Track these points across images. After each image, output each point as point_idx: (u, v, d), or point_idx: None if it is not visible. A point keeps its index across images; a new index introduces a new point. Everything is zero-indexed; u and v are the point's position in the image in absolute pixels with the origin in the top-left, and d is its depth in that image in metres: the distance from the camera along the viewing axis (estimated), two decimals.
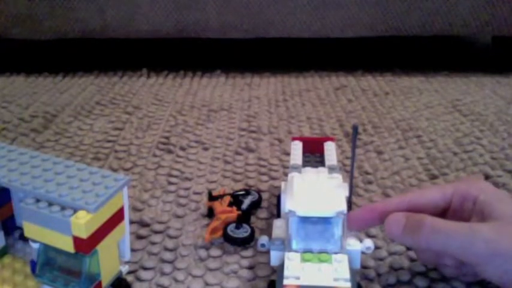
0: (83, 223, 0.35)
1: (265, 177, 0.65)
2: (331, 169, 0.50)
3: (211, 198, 0.56)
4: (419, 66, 1.12)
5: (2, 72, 1.07)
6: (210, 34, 1.00)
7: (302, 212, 0.40)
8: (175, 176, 0.65)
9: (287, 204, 0.41)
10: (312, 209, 0.40)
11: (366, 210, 0.42)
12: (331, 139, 0.57)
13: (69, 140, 0.75)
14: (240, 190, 0.59)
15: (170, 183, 0.63)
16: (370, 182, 0.64)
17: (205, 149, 0.73)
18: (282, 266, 0.39)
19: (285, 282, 0.37)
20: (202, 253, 0.50)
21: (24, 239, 0.44)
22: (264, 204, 0.58)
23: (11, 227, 0.46)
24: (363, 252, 0.41)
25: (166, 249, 0.51)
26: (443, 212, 0.40)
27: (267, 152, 0.71)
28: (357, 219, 0.42)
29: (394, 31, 0.99)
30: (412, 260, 0.48)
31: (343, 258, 0.39)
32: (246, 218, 0.53)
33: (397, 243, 0.50)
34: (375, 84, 1.01)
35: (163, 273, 0.47)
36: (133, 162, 0.68)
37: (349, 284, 0.36)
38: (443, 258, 0.41)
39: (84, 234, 0.36)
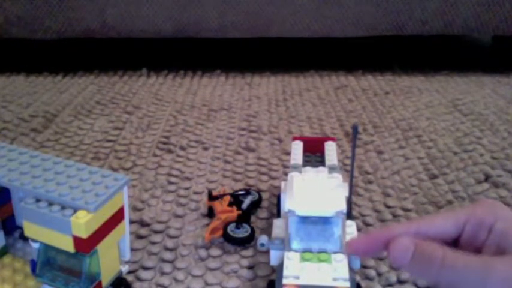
0: (83, 223, 0.35)
1: (265, 177, 0.65)
2: (331, 169, 0.50)
3: (211, 198, 0.56)
4: (419, 66, 1.12)
5: (2, 72, 1.07)
6: (210, 34, 1.00)
7: (302, 211, 0.40)
8: (176, 176, 0.65)
9: (287, 204, 0.41)
10: (312, 208, 0.40)
11: (367, 238, 0.37)
12: (332, 139, 0.57)
13: (69, 139, 0.75)
14: (240, 190, 0.59)
15: (170, 182, 0.63)
16: (370, 182, 0.64)
17: (205, 148, 0.73)
18: (281, 265, 0.39)
19: (285, 281, 0.37)
20: (202, 253, 0.50)
21: (24, 238, 0.44)
22: (264, 204, 0.58)
23: (11, 227, 0.46)
24: None
25: (167, 248, 0.51)
26: (455, 242, 0.35)
27: (267, 152, 0.71)
28: (356, 247, 0.37)
29: (394, 31, 0.99)
30: None
31: (342, 258, 0.39)
32: (246, 218, 0.53)
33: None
34: (375, 84, 1.01)
35: (163, 273, 0.47)
36: (133, 162, 0.68)
37: (348, 284, 0.36)
38: None
39: (84, 234, 0.36)
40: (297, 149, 0.55)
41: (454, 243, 0.35)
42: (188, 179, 0.64)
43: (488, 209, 0.34)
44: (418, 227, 0.34)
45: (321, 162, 0.54)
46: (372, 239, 0.36)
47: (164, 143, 0.74)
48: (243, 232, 0.50)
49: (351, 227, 0.44)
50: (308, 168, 0.50)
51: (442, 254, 0.32)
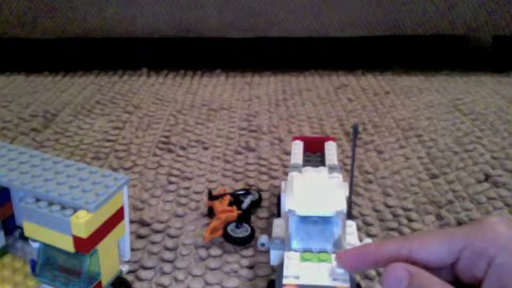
0: (83, 222, 0.35)
1: (265, 177, 0.65)
2: (332, 169, 0.50)
3: (212, 197, 0.56)
4: (419, 66, 1.12)
5: (2, 72, 1.07)
6: (210, 34, 1.00)
7: (302, 211, 0.40)
8: (176, 176, 0.65)
9: (287, 204, 0.41)
10: (312, 208, 0.40)
11: (357, 254, 0.35)
12: (332, 139, 0.57)
13: (69, 139, 0.75)
14: (240, 189, 0.59)
15: (170, 182, 0.63)
16: (370, 182, 0.64)
17: (206, 148, 0.73)
18: (281, 265, 0.39)
19: (285, 281, 0.37)
20: (203, 252, 0.50)
21: (24, 238, 0.43)
22: (264, 203, 0.58)
23: (11, 227, 0.46)
24: None
25: (167, 248, 0.51)
26: (452, 265, 0.32)
27: (267, 152, 0.71)
28: (345, 261, 0.36)
29: (394, 31, 0.99)
30: None
31: None
32: (246, 218, 0.53)
33: None
34: (375, 84, 1.01)
35: (163, 273, 0.47)
36: (134, 162, 0.68)
37: (348, 284, 0.36)
38: None
39: (84, 234, 0.36)
40: (297, 149, 0.55)
41: (452, 266, 0.32)
42: (188, 178, 0.64)
43: (489, 237, 0.31)
44: (411, 248, 0.32)
45: (321, 162, 0.54)
46: (362, 255, 0.34)
47: (164, 143, 0.74)
48: (243, 232, 0.50)
49: (351, 227, 0.44)
50: (308, 168, 0.50)
51: None
